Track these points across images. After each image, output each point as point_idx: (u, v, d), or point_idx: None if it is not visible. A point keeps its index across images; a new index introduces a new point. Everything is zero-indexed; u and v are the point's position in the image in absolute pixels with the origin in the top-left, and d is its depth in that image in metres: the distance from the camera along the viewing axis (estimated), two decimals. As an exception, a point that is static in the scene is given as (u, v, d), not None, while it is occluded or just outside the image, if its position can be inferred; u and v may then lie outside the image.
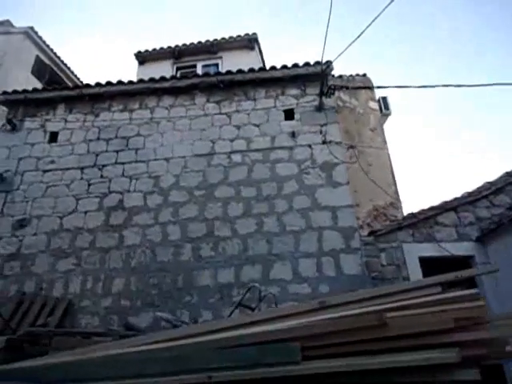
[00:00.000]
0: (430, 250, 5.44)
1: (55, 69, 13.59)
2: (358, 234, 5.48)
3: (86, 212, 6.04)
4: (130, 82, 7.03)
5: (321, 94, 6.29)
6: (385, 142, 9.69)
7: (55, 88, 7.27)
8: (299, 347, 1.80)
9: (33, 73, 12.37)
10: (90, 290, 5.46)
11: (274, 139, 6.28)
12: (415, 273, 5.28)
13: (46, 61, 13.27)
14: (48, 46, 13.25)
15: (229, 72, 6.85)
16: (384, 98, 10.28)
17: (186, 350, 1.94)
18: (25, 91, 7.20)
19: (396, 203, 8.72)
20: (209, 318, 5.08)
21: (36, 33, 12.76)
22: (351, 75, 9.35)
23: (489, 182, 5.78)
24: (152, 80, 6.94)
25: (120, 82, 7.02)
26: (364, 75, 9.80)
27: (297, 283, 5.21)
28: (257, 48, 9.22)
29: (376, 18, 5.00)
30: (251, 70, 6.88)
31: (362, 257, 5.30)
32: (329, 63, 6.26)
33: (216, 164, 6.18)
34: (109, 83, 7.00)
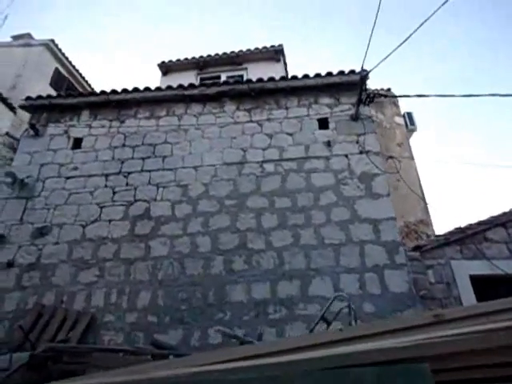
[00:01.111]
0: (480, 268, 5.04)
1: (73, 81, 13.60)
2: (402, 248, 5.10)
3: (110, 221, 5.72)
4: (158, 89, 6.84)
5: (358, 103, 6.05)
6: (412, 158, 9.41)
7: (81, 94, 7.09)
8: (429, 369, 1.43)
9: (51, 84, 12.33)
10: (114, 304, 5.07)
11: (308, 148, 6.00)
12: (467, 292, 4.87)
13: (65, 73, 13.29)
14: (67, 58, 13.30)
15: (260, 80, 6.65)
16: (409, 114, 10.08)
17: (282, 370, 1.58)
18: (49, 97, 7.02)
19: (426, 220, 8.35)
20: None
21: (56, 45, 12.81)
22: (376, 89, 9.16)
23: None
24: (180, 87, 6.74)
25: (147, 89, 6.83)
26: (388, 90, 9.62)
27: (338, 300, 4.79)
28: (282, 59, 9.08)
29: (416, 30, 4.80)
30: (283, 78, 6.69)
31: (409, 273, 4.91)
32: (365, 72, 6.04)
33: (247, 173, 5.88)
34: (135, 89, 6.81)
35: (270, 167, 5.89)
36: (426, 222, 8.35)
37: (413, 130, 10.04)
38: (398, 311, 4.64)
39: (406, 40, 5.23)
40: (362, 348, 1.57)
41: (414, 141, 9.81)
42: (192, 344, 4.70)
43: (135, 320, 4.92)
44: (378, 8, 5.07)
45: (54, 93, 11.60)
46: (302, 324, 4.69)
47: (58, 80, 12.80)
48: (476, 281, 4.97)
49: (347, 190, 5.57)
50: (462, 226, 5.35)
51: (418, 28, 5.05)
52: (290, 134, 6.17)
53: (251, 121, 6.40)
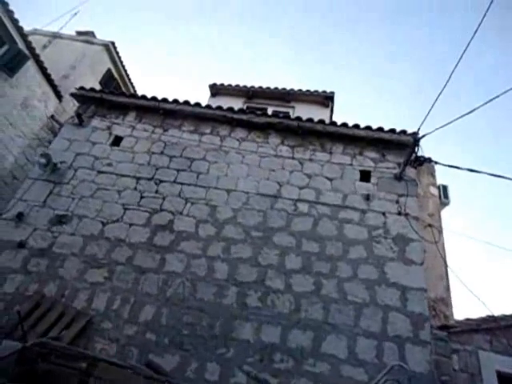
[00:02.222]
0: (510, 366, 4.61)
1: (121, 83, 14.00)
2: (429, 324, 4.74)
3: (131, 224, 5.55)
4: (208, 107, 6.86)
5: (405, 164, 5.90)
6: (441, 231, 9.11)
7: (132, 95, 7.19)
8: None
9: (100, 83, 12.67)
10: (115, 312, 4.79)
11: (345, 197, 5.81)
12: (491, 389, 4.43)
13: (116, 75, 13.70)
14: (122, 62, 13.75)
15: (309, 120, 6.61)
16: (445, 187, 9.86)
17: None
18: (101, 91, 7.13)
19: (447, 299, 7.90)
20: (243, 381, 4.28)
21: (115, 48, 13.30)
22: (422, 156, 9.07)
23: None
24: (230, 110, 6.76)
25: (197, 104, 6.86)
26: (428, 159, 9.50)
27: (351, 365, 4.42)
28: (330, 106, 9.13)
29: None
30: (333, 123, 6.63)
31: (432, 354, 4.52)
32: (418, 135, 5.93)
33: (280, 208, 5.69)
34: (186, 102, 6.85)
35: (303, 207, 5.70)
36: (446, 302, 7.89)
37: (445, 204, 9.79)
38: (413, 391, 4.22)
39: (467, 114, 5.16)
40: None
41: (445, 214, 9.57)
42: (187, 374, 4.34)
43: (133, 334, 4.61)
44: (448, 80, 5.05)
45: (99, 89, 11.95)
46: (308, 382, 4.30)
47: (107, 80, 13.18)
48: (503, 378, 4.54)
49: (379, 249, 5.30)
50: (496, 314, 4.98)
51: (482, 105, 4.99)
52: (330, 179, 6.02)
53: (293, 157, 6.30)
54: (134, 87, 14.74)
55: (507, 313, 5.05)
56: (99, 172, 6.12)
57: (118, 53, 13.49)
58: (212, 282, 5.02)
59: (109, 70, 13.38)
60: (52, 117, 8.06)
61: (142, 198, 5.83)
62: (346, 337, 4.60)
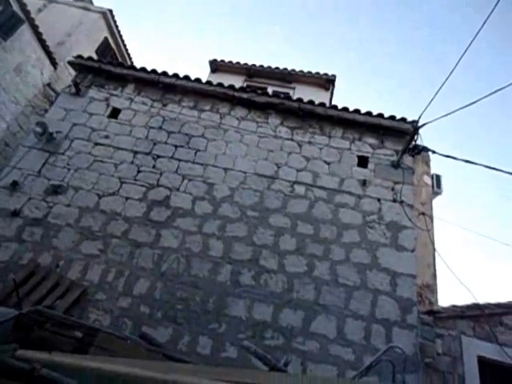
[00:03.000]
0: (490, 351, 4.80)
1: (117, 54, 13.66)
2: (416, 308, 4.88)
3: (127, 198, 5.53)
4: (208, 83, 6.76)
5: (403, 151, 5.94)
6: (431, 220, 9.25)
7: (132, 67, 7.02)
8: None
9: (97, 52, 12.35)
10: (110, 284, 4.83)
11: (342, 182, 5.85)
12: (471, 373, 4.61)
13: (112, 44, 13.35)
14: (119, 31, 13.39)
15: (310, 102, 6.56)
16: (438, 176, 9.93)
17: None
18: (100, 61, 6.96)
19: (433, 286, 8.11)
20: (234, 355, 4.40)
21: (113, 16, 12.92)
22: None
23: None
24: (231, 87, 6.66)
25: (197, 80, 6.75)
26: (424, 147, 9.55)
27: (340, 345, 4.56)
28: (331, 89, 9.06)
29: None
30: (333, 107, 6.60)
31: (417, 337, 4.67)
32: (417, 124, 5.94)
33: (276, 189, 5.72)
34: (186, 77, 6.73)
35: (300, 189, 5.72)
36: (432, 289, 8.10)
37: (438, 193, 9.89)
38: (398, 373, 4.37)
39: (468, 105, 5.16)
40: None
41: (437, 203, 9.69)
42: (179, 347, 4.43)
43: (127, 306, 4.67)
44: (451, 72, 5.02)
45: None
46: (297, 359, 4.43)
47: (104, 49, 12.85)
48: (483, 363, 4.73)
49: (372, 234, 5.39)
50: (480, 302, 5.13)
51: (482, 98, 4.99)
52: (328, 163, 6.04)
53: (292, 139, 6.28)
54: (131, 58, 14.41)
55: (491, 301, 5.21)
56: (96, 144, 6.04)
57: (115, 21, 13.11)
58: (207, 259, 5.07)
59: (106, 39, 13.02)
60: (48, 85, 7.87)
61: (138, 172, 5.79)
62: (336, 318, 4.72)
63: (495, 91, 4.85)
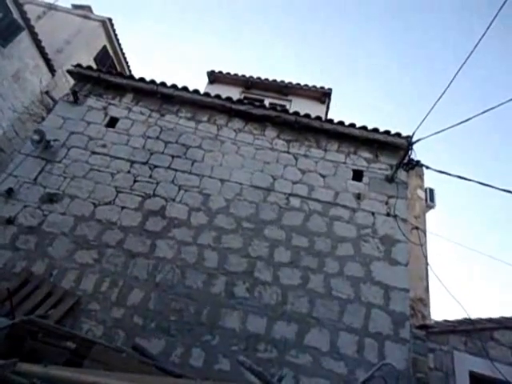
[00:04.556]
0: (482, 367, 4.83)
1: (116, 62, 13.75)
2: (409, 323, 4.92)
3: (123, 207, 5.54)
4: (206, 94, 6.83)
5: (398, 166, 6.02)
6: (425, 234, 9.33)
7: (130, 77, 7.08)
8: None
9: (95, 60, 12.43)
10: (103, 294, 4.81)
11: (337, 195, 5.91)
12: (463, 388, 4.64)
13: (111, 53, 13.44)
14: (118, 40, 13.50)
15: (306, 115, 6.66)
16: (431, 190, 10.06)
17: None
18: (99, 70, 7.02)
19: (425, 300, 8.16)
20: (227, 368, 4.39)
21: (112, 25, 13.02)
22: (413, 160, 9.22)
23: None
24: (229, 99, 6.74)
25: (195, 91, 6.82)
26: (418, 162, 9.67)
27: (332, 358, 4.57)
28: (327, 102, 9.18)
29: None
30: (329, 121, 6.69)
31: (410, 351, 4.70)
32: (411, 139, 6.04)
33: (272, 201, 5.76)
34: (184, 88, 6.80)
35: (295, 202, 5.77)
36: (425, 302, 8.15)
37: (431, 207, 10.01)
38: (391, 388, 4.39)
39: (461, 123, 5.26)
40: None
41: (430, 217, 9.79)
42: (172, 359, 4.41)
43: (121, 316, 4.65)
44: (446, 88, 5.13)
45: (95, 67, 11.72)
46: (290, 372, 4.43)
47: (102, 57, 12.92)
48: (475, 379, 4.76)
49: (366, 248, 5.43)
50: (472, 317, 5.18)
51: (478, 114, 5.10)
52: (323, 176, 6.10)
53: (288, 152, 6.35)
54: (129, 67, 14.50)
55: (483, 316, 5.26)
56: (93, 153, 6.06)
57: (114, 30, 13.21)
58: (201, 270, 5.08)
59: (104, 47, 13.11)
60: (46, 92, 7.89)
61: (135, 181, 5.81)
62: (329, 331, 4.73)
63: (488, 109, 4.95)
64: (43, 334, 3.60)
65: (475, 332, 5.08)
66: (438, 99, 5.19)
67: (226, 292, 4.94)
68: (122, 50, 13.76)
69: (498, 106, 4.87)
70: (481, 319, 5.20)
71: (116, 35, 13.35)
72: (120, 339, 4.49)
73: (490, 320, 5.20)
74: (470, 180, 5.48)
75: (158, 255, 5.15)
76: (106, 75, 6.90)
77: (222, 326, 4.68)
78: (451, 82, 4.95)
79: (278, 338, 4.64)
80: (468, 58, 4.63)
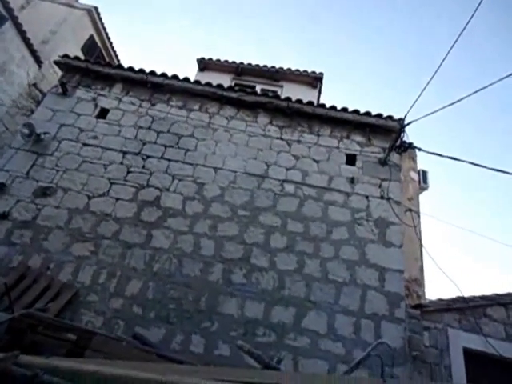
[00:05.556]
0: (475, 343, 4.95)
1: (104, 52, 13.52)
2: (404, 303, 5.01)
3: (117, 199, 5.53)
4: (197, 82, 6.76)
5: (390, 149, 6.05)
6: (418, 215, 9.43)
7: (119, 66, 6.98)
8: None
9: (82, 50, 12.22)
10: (101, 286, 4.84)
11: (331, 180, 5.94)
12: (457, 364, 4.77)
13: (98, 42, 13.21)
14: (105, 29, 13.25)
15: (298, 101, 6.63)
16: (424, 172, 10.15)
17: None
18: (87, 60, 6.91)
19: (420, 280, 8.30)
20: (227, 353, 4.46)
21: (98, 14, 12.76)
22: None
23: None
24: (220, 86, 6.68)
25: (186, 79, 6.75)
26: (410, 144, 9.72)
27: (330, 340, 4.66)
28: (318, 87, 9.13)
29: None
30: (321, 106, 6.67)
31: (406, 330, 4.80)
32: (403, 122, 6.05)
33: (266, 188, 5.78)
34: (174, 77, 6.73)
35: (290, 188, 5.79)
36: (420, 282, 8.29)
37: (424, 189, 10.10)
38: (387, 366, 4.49)
39: (452, 104, 5.28)
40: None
41: (424, 198, 9.86)
42: (172, 346, 4.47)
43: (120, 307, 4.69)
44: (437, 70, 5.13)
45: (83, 58, 11.52)
46: (288, 355, 4.52)
47: (90, 47, 12.70)
48: (469, 354, 4.88)
49: (361, 231, 5.49)
50: (466, 295, 5.29)
51: (469, 95, 5.11)
52: (317, 161, 6.12)
53: (281, 138, 6.34)
54: (117, 56, 14.26)
55: (476, 294, 5.37)
56: (84, 144, 6.01)
57: (101, 19, 12.95)
58: (198, 259, 5.11)
59: (91, 37, 12.87)
60: (34, 85, 7.76)
61: (128, 172, 5.79)
62: (326, 313, 4.81)
63: (479, 90, 4.97)
64: (43, 327, 3.63)
65: (469, 309, 5.18)
66: (429, 80, 5.19)
67: (224, 279, 4.99)
68: (109, 39, 13.52)
69: (489, 85, 4.88)
70: (474, 297, 5.30)
71: (103, 24, 13.09)
72: (120, 329, 4.54)
73: (483, 297, 5.31)
74: (461, 160, 5.53)
75: (154, 245, 5.17)
76: (95, 65, 6.79)
77: (221, 313, 4.75)
78: (442, 62, 4.95)
79: (276, 323, 4.71)
80: (458, 37, 4.62)
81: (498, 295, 5.36)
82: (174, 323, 4.63)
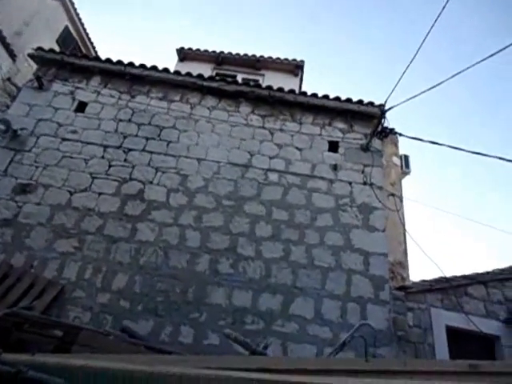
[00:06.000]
0: (457, 320, 5.13)
1: (80, 44, 13.19)
2: (388, 285, 5.12)
3: (100, 193, 5.46)
4: (176, 73, 6.67)
5: (372, 135, 6.11)
6: (401, 199, 9.59)
7: (96, 58, 6.83)
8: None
9: (57, 42, 11.91)
10: (87, 281, 4.80)
11: (314, 167, 5.98)
12: (440, 341, 4.93)
13: (74, 34, 12.88)
14: (80, 19, 12.91)
15: (280, 89, 6.61)
16: (406, 157, 10.33)
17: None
18: (62, 53, 6.73)
19: (404, 263, 8.49)
20: (216, 342, 4.51)
21: (73, 4, 12.41)
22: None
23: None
24: (200, 77, 6.61)
25: (165, 70, 6.66)
26: (392, 129, 9.83)
27: (317, 325, 4.75)
28: (300, 75, 9.11)
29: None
30: (303, 94, 6.68)
31: (390, 312, 4.92)
32: (384, 107, 6.11)
33: (250, 178, 5.78)
34: (153, 68, 6.62)
35: (273, 177, 5.82)
36: (404, 265, 8.48)
37: (406, 173, 10.27)
38: (371, 346, 4.61)
39: (434, 86, 5.34)
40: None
41: (406, 183, 10.04)
42: (161, 338, 4.49)
43: (107, 302, 4.67)
44: (417, 52, 5.17)
45: (58, 50, 11.21)
46: (277, 340, 4.59)
47: (65, 39, 12.38)
48: (451, 332, 5.05)
49: (345, 217, 5.57)
50: (448, 275, 5.44)
51: (448, 78, 5.18)
52: (299, 149, 6.14)
53: (263, 127, 6.33)
54: (94, 48, 13.93)
55: (458, 274, 5.54)
56: (63, 139, 5.89)
57: (75, 9, 12.60)
58: (184, 250, 5.11)
59: (66, 28, 12.52)
60: (8, 79, 7.53)
61: (110, 166, 5.71)
62: (313, 299, 4.90)
63: (458, 73, 5.02)
64: (29, 325, 3.60)
65: (451, 289, 5.35)
66: (408, 65, 5.22)
67: (211, 269, 5.01)
68: (85, 30, 13.17)
69: (468, 68, 4.95)
70: (455, 277, 5.47)
71: (78, 15, 12.74)
72: (108, 324, 4.53)
73: (464, 277, 5.48)
74: (441, 144, 5.63)
75: (139, 238, 5.15)
76: (71, 58, 6.63)
77: (209, 303, 4.78)
78: (422, 43, 4.98)
79: (264, 310, 4.77)
80: (437, 18, 4.66)
81: (478, 274, 5.54)
82: (162, 315, 4.64)
